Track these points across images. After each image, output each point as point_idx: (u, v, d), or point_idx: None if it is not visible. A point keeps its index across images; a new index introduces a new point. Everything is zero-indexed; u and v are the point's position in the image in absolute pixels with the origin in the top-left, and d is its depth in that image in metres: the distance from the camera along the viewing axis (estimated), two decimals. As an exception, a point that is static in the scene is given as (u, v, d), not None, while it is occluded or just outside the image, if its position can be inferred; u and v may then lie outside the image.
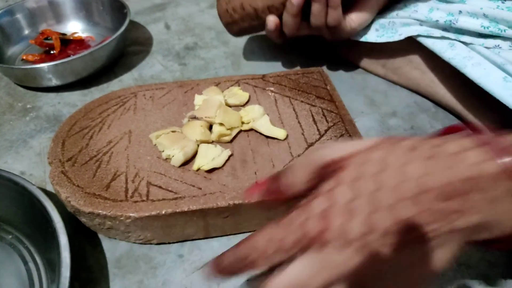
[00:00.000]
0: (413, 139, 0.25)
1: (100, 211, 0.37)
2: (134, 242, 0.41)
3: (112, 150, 0.44)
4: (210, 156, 0.42)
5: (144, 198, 0.38)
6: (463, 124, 0.25)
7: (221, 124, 0.45)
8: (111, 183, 0.40)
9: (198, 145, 0.43)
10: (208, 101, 0.47)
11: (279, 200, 0.29)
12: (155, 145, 0.44)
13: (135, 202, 0.38)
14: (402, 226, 0.23)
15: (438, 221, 0.23)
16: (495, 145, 0.23)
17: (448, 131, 0.28)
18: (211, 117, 0.45)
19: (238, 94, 0.51)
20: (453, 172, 0.22)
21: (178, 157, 0.41)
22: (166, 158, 0.42)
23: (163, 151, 0.43)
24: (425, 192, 0.23)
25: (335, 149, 0.26)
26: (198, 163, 0.42)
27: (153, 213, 0.37)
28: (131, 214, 0.37)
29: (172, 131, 0.44)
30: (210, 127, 0.46)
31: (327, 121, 0.48)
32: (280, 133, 0.45)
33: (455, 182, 0.22)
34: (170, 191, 0.39)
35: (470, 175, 0.22)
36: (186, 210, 0.37)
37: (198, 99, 0.49)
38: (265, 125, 0.46)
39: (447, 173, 0.23)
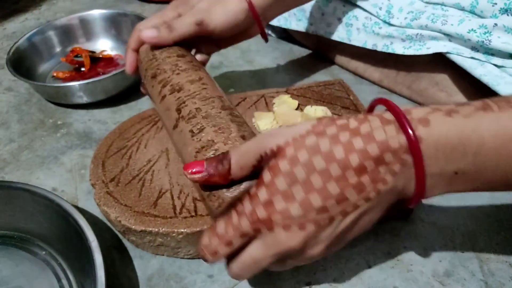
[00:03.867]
0: (337, 123, 0.29)
1: (152, 229, 0.38)
2: (182, 258, 0.41)
3: (153, 168, 0.45)
4: None
5: (193, 214, 0.40)
6: (383, 99, 0.30)
7: None
8: (158, 200, 0.41)
9: None
10: (287, 111, 0.52)
11: (226, 181, 0.31)
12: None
13: (185, 218, 0.39)
14: (331, 201, 0.28)
15: (358, 193, 0.28)
16: (400, 122, 0.27)
17: (375, 103, 0.32)
18: None
19: (288, 102, 0.54)
20: (366, 151, 0.27)
21: None
22: None
23: None
24: (348, 170, 0.27)
25: (279, 136, 0.30)
26: None
27: (205, 227, 0.38)
28: (182, 230, 0.38)
29: None
30: None
31: None
32: None
33: (368, 159, 0.27)
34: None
35: (378, 152, 0.27)
36: None
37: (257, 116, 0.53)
38: None
39: (362, 153, 0.27)
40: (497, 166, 0.27)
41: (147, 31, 0.46)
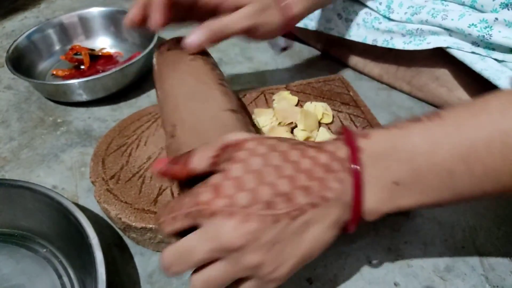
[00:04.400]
0: (297, 141, 0.31)
1: (152, 226, 0.39)
2: None
3: None
4: None
5: None
6: (344, 127, 0.32)
7: (303, 129, 0.48)
8: (158, 197, 0.41)
9: None
10: (287, 108, 0.52)
11: (185, 175, 0.31)
12: None
13: None
14: (280, 199, 0.27)
15: (307, 195, 0.28)
16: (346, 135, 0.30)
17: (339, 130, 0.33)
18: (294, 122, 0.50)
19: (287, 98, 0.54)
20: (317, 158, 0.29)
21: None
22: None
23: None
24: (299, 173, 0.28)
25: (237, 135, 0.30)
26: None
27: None
28: None
29: None
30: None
31: (355, 126, 0.49)
32: None
33: (318, 166, 0.28)
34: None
35: (327, 161, 0.29)
36: None
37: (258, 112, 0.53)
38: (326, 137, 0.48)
39: (313, 159, 0.29)
40: (432, 174, 0.28)
41: (193, 37, 0.44)
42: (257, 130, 0.50)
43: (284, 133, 0.49)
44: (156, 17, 0.44)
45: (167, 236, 0.30)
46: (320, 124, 0.51)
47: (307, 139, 0.48)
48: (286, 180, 0.28)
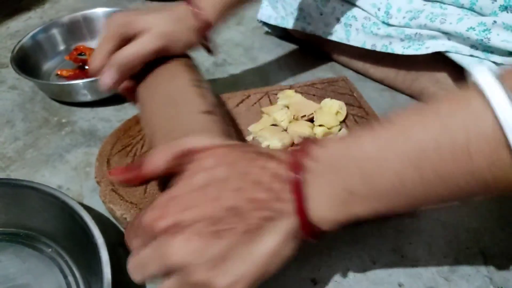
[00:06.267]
0: (255, 151, 0.30)
1: None
2: None
3: None
4: None
5: None
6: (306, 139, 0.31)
7: (320, 125, 0.50)
8: None
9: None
10: (301, 101, 0.53)
11: (141, 179, 0.32)
12: (253, 138, 0.49)
13: None
14: (226, 214, 0.27)
15: (257, 209, 0.27)
16: (302, 146, 0.29)
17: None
18: (309, 115, 0.51)
19: (292, 96, 0.55)
20: (266, 168, 0.29)
21: (276, 146, 0.47)
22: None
23: (262, 142, 0.48)
24: (248, 185, 0.28)
25: (194, 140, 0.30)
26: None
27: None
28: None
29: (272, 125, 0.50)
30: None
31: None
32: None
33: (268, 175, 0.28)
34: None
35: (276, 170, 0.28)
36: None
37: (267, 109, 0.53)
38: None
39: (263, 169, 0.28)
40: (383, 181, 0.27)
41: (104, 77, 0.42)
42: (235, 126, 0.51)
43: (305, 127, 0.50)
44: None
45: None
46: (344, 123, 0.52)
47: (326, 134, 0.49)
48: (233, 194, 0.27)
